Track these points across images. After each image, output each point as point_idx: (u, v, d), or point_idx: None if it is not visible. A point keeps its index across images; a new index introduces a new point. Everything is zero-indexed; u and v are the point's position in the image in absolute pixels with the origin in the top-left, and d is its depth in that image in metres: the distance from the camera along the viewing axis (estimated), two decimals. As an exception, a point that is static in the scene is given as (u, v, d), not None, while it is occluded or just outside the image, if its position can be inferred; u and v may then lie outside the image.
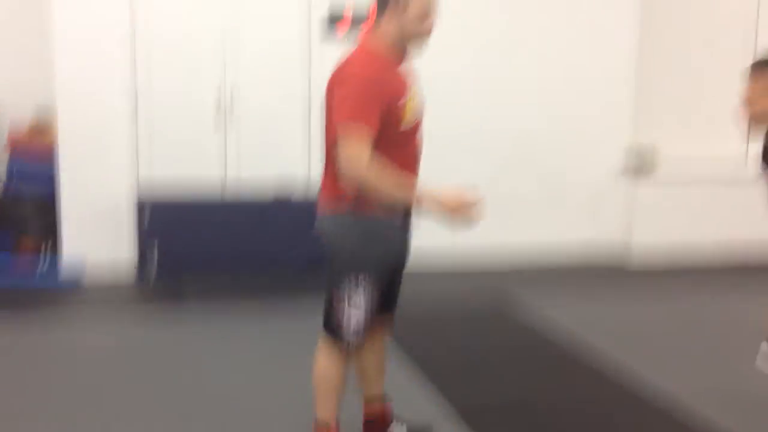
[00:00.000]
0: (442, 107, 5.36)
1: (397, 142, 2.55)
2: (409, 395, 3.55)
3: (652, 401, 3.56)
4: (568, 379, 3.88)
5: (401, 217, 2.68)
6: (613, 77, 6.40)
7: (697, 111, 6.60)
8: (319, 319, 2.76)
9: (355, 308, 2.65)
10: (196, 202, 5.54)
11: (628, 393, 3.67)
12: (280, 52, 5.76)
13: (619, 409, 3.53)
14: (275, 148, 5.81)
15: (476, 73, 6.13)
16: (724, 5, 6.64)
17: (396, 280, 2.84)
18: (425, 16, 2.54)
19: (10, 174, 5.63)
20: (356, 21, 5.74)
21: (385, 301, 2.79)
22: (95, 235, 5.57)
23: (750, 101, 2.27)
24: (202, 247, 5.44)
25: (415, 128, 2.64)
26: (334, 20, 5.76)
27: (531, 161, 6.31)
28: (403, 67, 2.65)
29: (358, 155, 2.43)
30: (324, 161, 2.65)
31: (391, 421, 3.05)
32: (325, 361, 2.75)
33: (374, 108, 2.45)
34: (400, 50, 2.60)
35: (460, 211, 2.44)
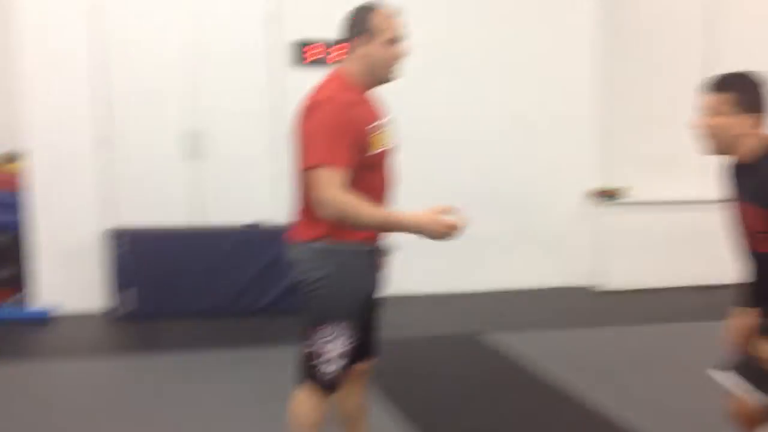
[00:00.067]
0: (408, 143, 5.41)
1: (363, 166, 2.53)
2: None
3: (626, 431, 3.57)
4: (541, 408, 3.88)
5: (376, 248, 2.67)
6: (576, 117, 6.55)
7: (661, 152, 6.72)
8: (292, 367, 2.68)
9: (333, 354, 2.59)
10: (169, 234, 5.63)
11: (603, 422, 3.67)
12: (245, 90, 5.84)
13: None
14: (243, 190, 5.85)
15: (444, 112, 6.25)
16: (683, 46, 6.79)
17: (372, 324, 2.78)
18: (393, 41, 2.57)
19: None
20: (325, 49, 5.83)
21: (364, 347, 2.73)
22: (64, 274, 5.59)
23: (705, 116, 2.33)
24: (176, 283, 5.50)
25: (382, 156, 2.62)
26: (301, 50, 5.86)
27: (496, 198, 6.39)
28: (375, 95, 2.66)
29: (332, 198, 2.41)
30: (297, 190, 2.63)
31: None
32: (302, 406, 2.66)
33: (344, 141, 2.44)
34: (370, 77, 2.61)
35: (442, 232, 2.44)
